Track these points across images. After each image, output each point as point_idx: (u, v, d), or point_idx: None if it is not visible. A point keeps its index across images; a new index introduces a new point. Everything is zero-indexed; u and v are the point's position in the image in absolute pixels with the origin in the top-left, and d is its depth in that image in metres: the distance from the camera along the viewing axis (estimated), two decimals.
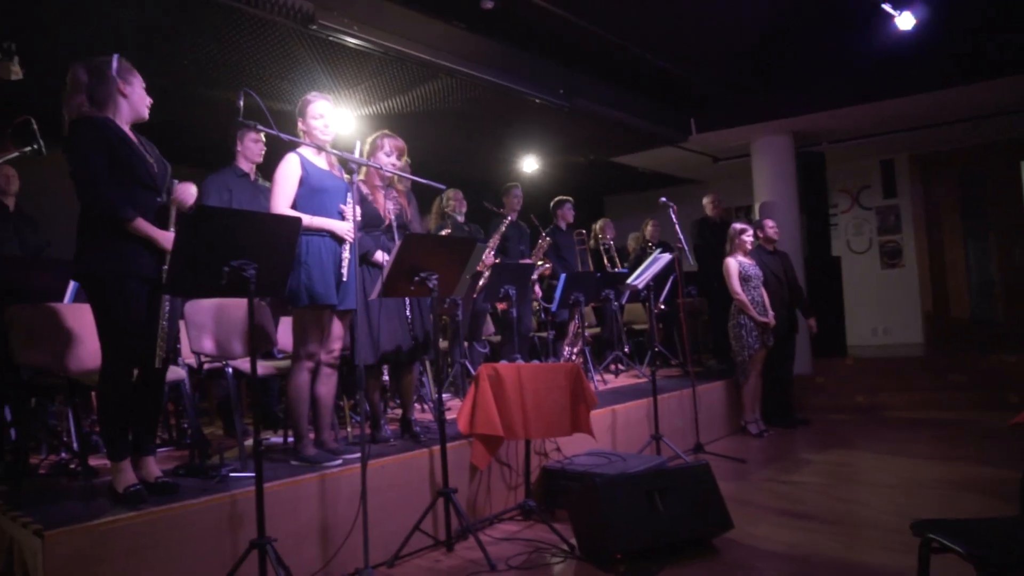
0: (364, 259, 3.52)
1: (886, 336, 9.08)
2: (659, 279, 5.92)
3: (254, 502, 2.46)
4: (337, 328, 3.25)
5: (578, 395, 3.50)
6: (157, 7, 3.99)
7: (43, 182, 4.59)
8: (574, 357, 6.18)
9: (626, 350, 7.15)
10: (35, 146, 3.18)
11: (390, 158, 3.63)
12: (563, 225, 6.67)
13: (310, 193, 3.14)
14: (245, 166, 4.32)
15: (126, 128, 2.70)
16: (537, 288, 6.30)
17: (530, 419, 3.43)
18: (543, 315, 6.49)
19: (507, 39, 5.35)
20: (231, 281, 2.54)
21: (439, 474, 3.30)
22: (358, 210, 3.16)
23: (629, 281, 4.73)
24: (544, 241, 6.24)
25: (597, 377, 5.98)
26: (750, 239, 5.84)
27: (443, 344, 5.82)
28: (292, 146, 3.20)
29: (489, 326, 6.56)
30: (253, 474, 2.56)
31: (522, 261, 6.06)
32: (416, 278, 3.16)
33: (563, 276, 5.55)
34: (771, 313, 5.75)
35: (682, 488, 3.19)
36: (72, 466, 3.30)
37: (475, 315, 5.72)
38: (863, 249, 9.28)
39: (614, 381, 6.24)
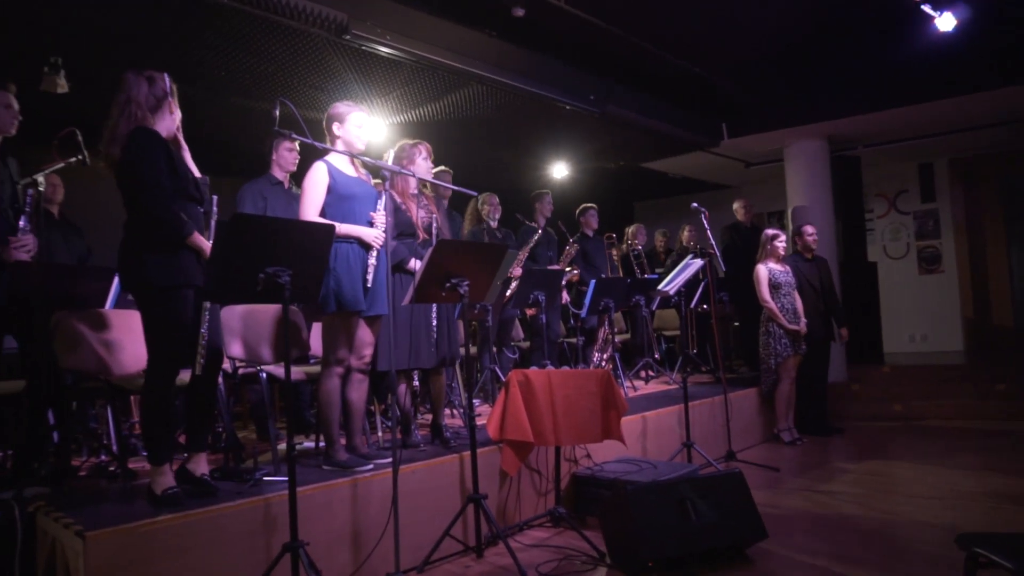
0: (399, 267, 3.55)
1: (924, 343, 8.88)
2: (690, 284, 5.88)
3: (287, 506, 2.49)
4: (367, 334, 3.28)
5: (609, 401, 3.48)
6: (195, 19, 4.09)
7: (84, 191, 4.73)
8: (604, 363, 6.17)
9: (656, 356, 7.10)
10: (80, 157, 3.28)
11: (427, 162, 3.67)
12: (588, 232, 6.66)
13: (338, 200, 3.18)
14: (279, 174, 4.39)
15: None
16: (565, 294, 6.29)
17: (560, 425, 3.43)
18: (572, 321, 6.48)
19: (538, 46, 5.36)
20: (266, 288, 2.59)
21: (469, 480, 3.31)
22: (384, 214, 3.20)
23: (660, 287, 4.70)
24: (572, 248, 6.23)
25: (627, 384, 5.94)
26: (782, 245, 5.76)
27: (472, 350, 5.85)
28: (322, 154, 3.26)
29: (518, 331, 6.57)
30: (286, 478, 2.61)
31: (550, 267, 6.06)
32: (447, 284, 3.18)
33: (593, 282, 5.53)
34: (803, 320, 5.66)
35: (715, 496, 3.16)
36: (112, 468, 3.38)
37: (504, 321, 5.73)
38: (900, 255, 9.09)
39: (644, 388, 6.19)
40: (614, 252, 6.97)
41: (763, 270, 5.65)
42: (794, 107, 7.02)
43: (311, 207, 3.14)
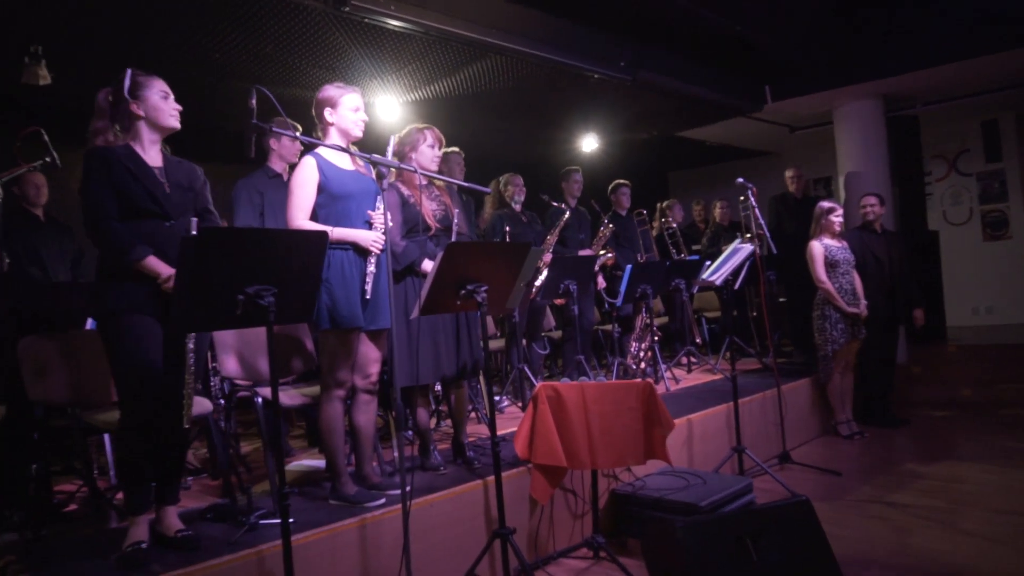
0: (411, 270, 3.14)
1: (989, 315, 8.23)
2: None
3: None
4: (371, 350, 2.89)
5: (652, 417, 3.05)
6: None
7: (73, 189, 4.40)
8: (643, 353, 5.71)
9: (697, 341, 6.62)
10: (47, 159, 2.93)
11: (434, 150, 3.24)
12: (621, 211, 6.17)
13: (332, 200, 2.77)
14: (278, 166, 3.99)
15: (147, 150, 2.47)
16: (600, 279, 5.83)
17: (597, 446, 3.01)
18: (607, 305, 6.03)
19: (561, 10, 4.84)
20: (247, 311, 2.21)
21: (495, 509, 2.92)
22: (388, 216, 2.78)
23: (706, 276, 4.23)
24: (606, 229, 5.75)
25: (667, 374, 5.50)
26: (839, 219, 5.20)
27: (500, 343, 5.45)
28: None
29: (549, 320, 6.14)
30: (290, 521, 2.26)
31: (582, 252, 5.60)
32: (462, 291, 2.76)
33: (628, 268, 5.06)
34: (863, 302, 5.12)
35: (779, 531, 2.72)
36: (107, 499, 3.08)
37: (533, 312, 5.31)
38: (962, 220, 8.40)
39: (687, 379, 5.74)
40: (650, 230, 6.45)
41: (818, 247, 5.11)
42: (846, 64, 6.36)
43: (299, 210, 2.73)
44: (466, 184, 2.98)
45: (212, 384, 3.38)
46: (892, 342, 5.52)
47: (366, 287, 2.77)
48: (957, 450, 4.79)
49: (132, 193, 2.35)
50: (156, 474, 2.41)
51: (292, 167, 4.07)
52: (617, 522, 3.53)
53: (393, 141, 2.99)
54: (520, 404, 4.77)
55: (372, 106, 5.62)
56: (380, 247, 2.74)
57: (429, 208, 3.22)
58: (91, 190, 2.32)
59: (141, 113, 2.42)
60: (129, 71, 2.43)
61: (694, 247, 7.16)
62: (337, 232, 2.72)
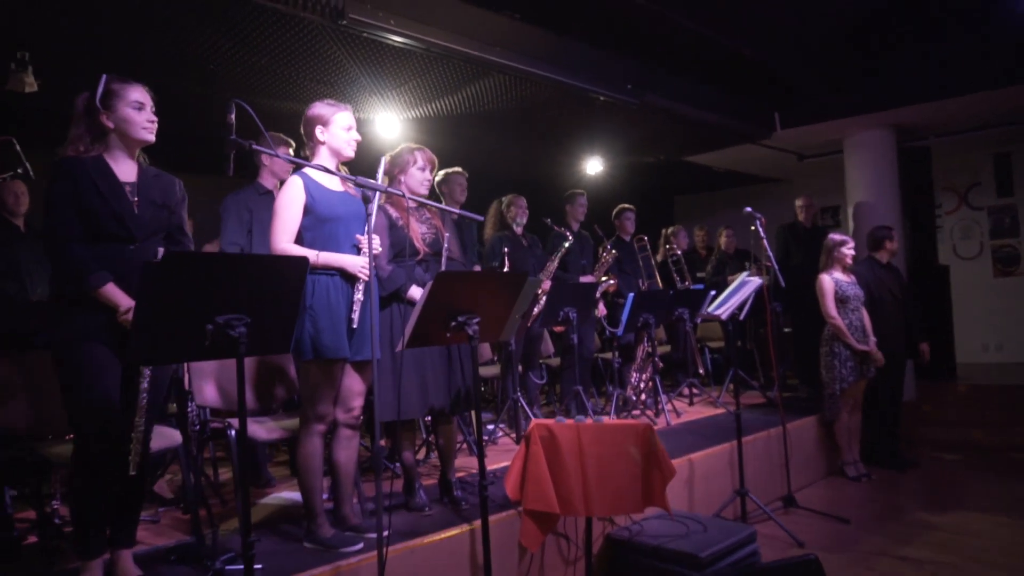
0: (396, 297, 2.98)
1: (999, 353, 8.03)
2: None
3: None
4: (356, 383, 2.71)
5: (651, 462, 2.86)
6: (168, 6, 3.55)
7: None
8: (643, 384, 5.53)
9: (700, 372, 6.42)
10: (19, 171, 2.77)
11: (424, 173, 3.08)
12: (625, 237, 6.00)
13: (317, 223, 2.61)
14: (269, 183, 3.84)
15: (120, 162, 2.31)
16: (601, 306, 5.66)
17: (592, 492, 2.82)
18: (607, 332, 5.85)
19: (567, 29, 4.72)
20: (217, 342, 2.03)
21: (482, 555, 2.73)
22: (376, 240, 2.62)
23: (712, 310, 4.05)
24: (609, 255, 5.58)
25: (668, 407, 5.30)
26: (851, 252, 5.02)
27: (495, 370, 5.26)
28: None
29: (548, 346, 5.96)
30: (256, 566, 2.08)
31: (583, 279, 5.43)
32: (453, 323, 2.58)
33: (630, 297, 4.89)
34: (872, 339, 4.94)
35: None
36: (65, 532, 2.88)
37: (530, 339, 5.13)
38: (973, 255, 8.23)
39: (688, 412, 5.55)
40: (653, 257, 6.28)
41: (828, 281, 4.92)
42: (858, 94, 6.23)
43: (284, 232, 2.57)
44: (456, 211, 2.81)
45: (189, 411, 3.19)
46: (900, 380, 5.31)
47: (353, 315, 2.60)
48: (968, 498, 4.57)
49: (97, 212, 2.18)
50: (109, 516, 2.22)
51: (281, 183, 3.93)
52: (612, 569, 3.33)
53: (384, 161, 2.83)
54: (514, 436, 4.58)
55: (371, 123, 5.49)
56: (367, 274, 2.57)
57: (418, 231, 3.06)
58: (53, 205, 2.16)
59: (111, 125, 2.26)
60: (104, 77, 2.26)
61: (698, 274, 7.00)
62: (323, 257, 2.56)
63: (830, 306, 4.88)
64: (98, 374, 2.14)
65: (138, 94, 2.29)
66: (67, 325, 2.16)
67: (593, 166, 7.26)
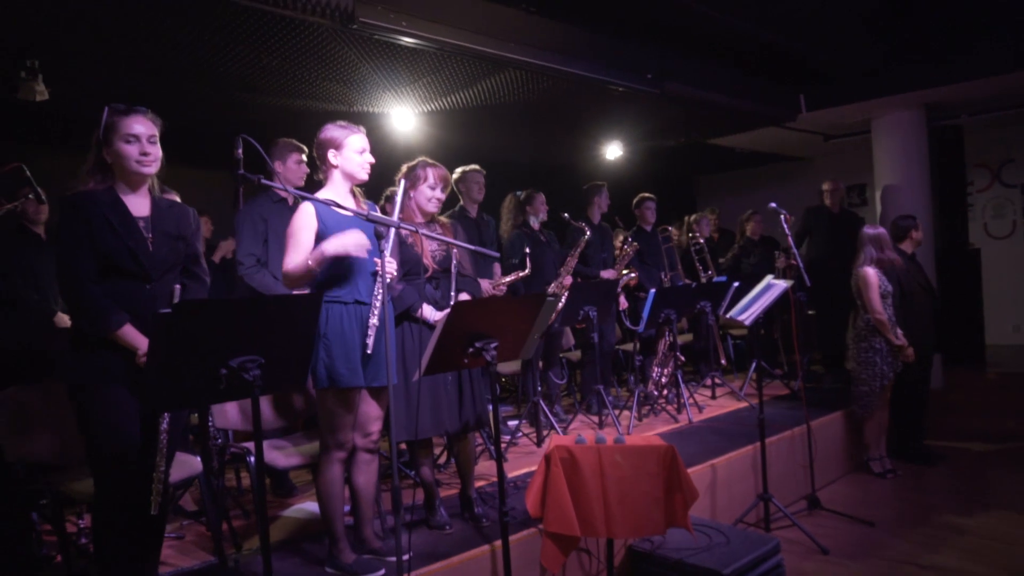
0: (406, 315, 2.94)
1: None
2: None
3: None
4: (372, 408, 2.69)
5: (673, 484, 2.82)
6: (178, 15, 3.48)
7: None
8: (664, 379, 5.48)
9: (722, 362, 6.34)
10: (30, 196, 2.75)
11: (435, 191, 3.00)
12: (646, 227, 5.89)
13: None
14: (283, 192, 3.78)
15: (133, 195, 2.26)
16: (622, 299, 5.59)
17: (613, 514, 2.80)
18: (627, 322, 5.78)
19: (585, 21, 4.57)
20: (232, 385, 2.01)
21: (503, 574, 2.72)
22: (392, 265, 2.56)
23: (735, 315, 3.96)
24: (630, 247, 5.49)
25: (690, 401, 5.25)
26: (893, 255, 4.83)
27: (514, 367, 5.22)
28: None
29: (568, 339, 5.92)
30: None
31: (604, 273, 5.35)
32: (471, 349, 2.54)
33: (652, 293, 4.81)
34: (899, 331, 4.82)
35: None
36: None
37: (550, 337, 5.08)
38: (1005, 234, 8.00)
39: (710, 406, 5.49)
40: (676, 247, 6.16)
41: (873, 275, 4.71)
42: (887, 74, 6.01)
43: (297, 255, 2.52)
44: (470, 247, 2.75)
45: (211, 431, 3.19)
46: (927, 373, 5.19)
47: (368, 340, 2.56)
48: (998, 496, 4.47)
49: (111, 251, 2.15)
50: (132, 551, 2.23)
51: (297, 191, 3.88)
52: None
53: (402, 186, 2.77)
54: (535, 437, 4.56)
55: (387, 116, 5.41)
56: (364, 253, 2.48)
57: (428, 249, 3.00)
58: (66, 244, 2.13)
59: (109, 159, 2.21)
60: (106, 110, 2.20)
61: (719, 260, 6.85)
62: (317, 252, 2.44)
63: (875, 300, 4.70)
64: (118, 419, 2.13)
65: (133, 127, 2.20)
66: (86, 368, 2.15)
67: (612, 151, 7.12)
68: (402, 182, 2.97)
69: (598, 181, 5.60)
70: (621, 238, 6.05)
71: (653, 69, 5.07)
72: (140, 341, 2.14)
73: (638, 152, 7.48)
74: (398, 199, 2.73)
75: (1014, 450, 5.45)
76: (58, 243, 2.17)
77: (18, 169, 2.70)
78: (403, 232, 2.96)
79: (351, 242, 2.46)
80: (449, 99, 5.16)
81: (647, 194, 5.95)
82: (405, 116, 5.39)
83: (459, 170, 4.69)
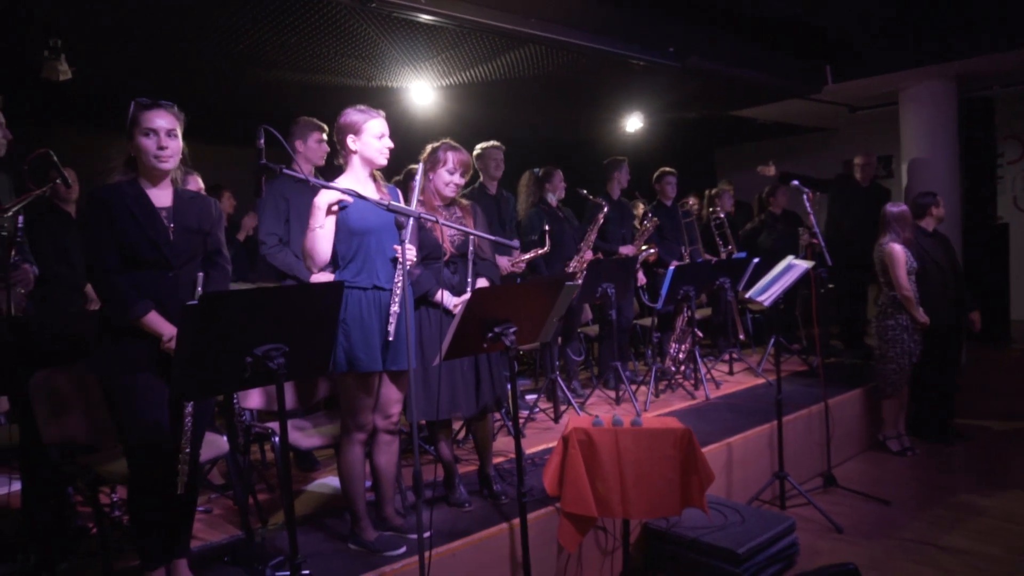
0: (424, 300, 2.97)
1: None
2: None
3: None
4: (392, 391, 2.74)
5: (690, 466, 2.86)
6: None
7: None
8: (682, 355, 5.49)
9: (741, 337, 6.34)
10: (58, 181, 2.80)
11: (453, 176, 3.00)
12: (666, 202, 5.85)
13: (349, 236, 2.58)
14: (305, 169, 3.80)
15: (155, 187, 2.31)
16: (640, 275, 5.58)
17: (630, 496, 2.84)
18: (645, 298, 5.79)
19: None
20: (256, 373, 2.07)
21: (521, 552, 2.79)
22: (412, 252, 2.59)
23: (755, 295, 3.95)
24: (650, 223, 5.46)
25: (707, 377, 5.27)
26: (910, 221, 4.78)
27: (534, 343, 5.25)
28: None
29: (586, 313, 5.93)
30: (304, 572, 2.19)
31: (623, 249, 5.34)
32: (489, 334, 2.57)
33: (671, 270, 4.80)
34: (921, 310, 4.78)
35: None
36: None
37: (568, 313, 5.09)
38: None
39: (728, 382, 5.50)
40: (696, 222, 6.11)
41: (900, 252, 4.67)
42: (917, 45, 5.84)
43: (323, 243, 2.54)
44: (490, 237, 2.75)
45: (236, 409, 3.26)
46: (951, 352, 5.13)
47: (389, 328, 2.60)
48: (1015, 476, 4.46)
49: (133, 241, 2.20)
50: (164, 528, 2.32)
51: (318, 170, 3.90)
52: (649, 558, 3.38)
53: (422, 168, 2.77)
54: (552, 413, 4.61)
55: (406, 91, 5.39)
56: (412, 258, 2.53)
57: (447, 233, 3.02)
58: (90, 236, 2.20)
59: (132, 154, 2.26)
60: (132, 104, 2.24)
61: (738, 232, 6.77)
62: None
63: (903, 276, 4.66)
64: (146, 404, 2.20)
65: (153, 121, 2.22)
66: (113, 355, 2.21)
67: (633, 123, 7.03)
68: (421, 164, 2.98)
69: (618, 156, 5.55)
70: (642, 211, 6.02)
71: (675, 43, 4.98)
72: (165, 328, 2.20)
73: (658, 124, 7.38)
74: (417, 181, 2.74)
75: None
76: (83, 236, 2.23)
77: (45, 155, 2.73)
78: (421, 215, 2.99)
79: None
80: (468, 73, 5.12)
81: (668, 168, 5.90)
82: (424, 90, 5.36)
83: (479, 147, 4.68)
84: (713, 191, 6.62)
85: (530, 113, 6.67)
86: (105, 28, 3.93)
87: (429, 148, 3.09)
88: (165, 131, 2.24)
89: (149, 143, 2.22)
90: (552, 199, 5.07)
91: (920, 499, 4.18)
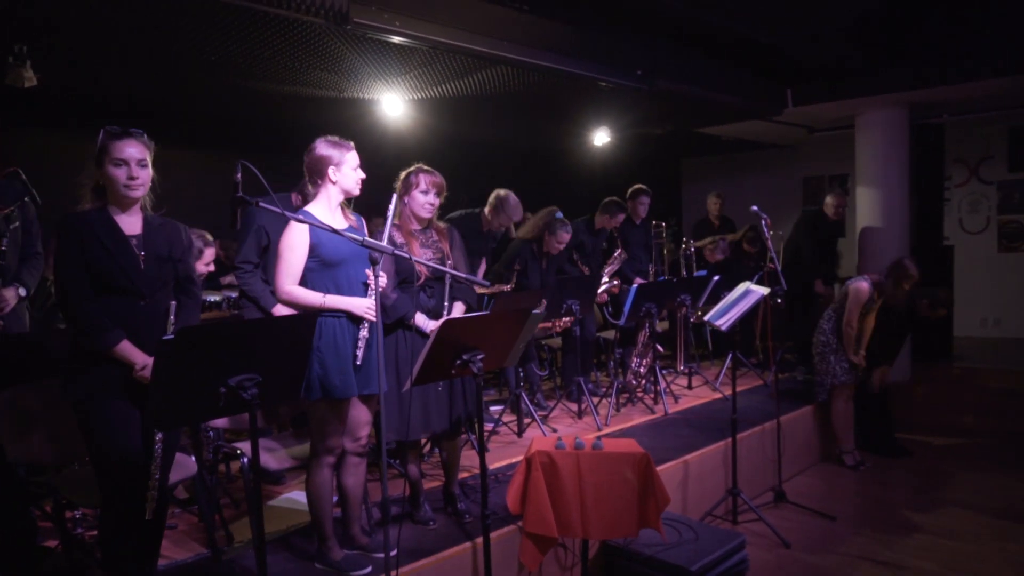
0: (400, 323, 3.03)
1: (996, 328, 8.10)
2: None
3: None
4: (362, 413, 2.80)
5: (647, 490, 2.98)
6: (170, 9, 3.47)
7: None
8: (643, 369, 5.64)
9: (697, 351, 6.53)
10: (26, 199, 2.79)
11: (427, 196, 3.07)
12: (636, 220, 5.99)
13: (322, 267, 2.64)
14: (295, 199, 3.76)
15: (124, 214, 2.32)
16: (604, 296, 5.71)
17: (590, 516, 2.96)
18: (607, 314, 5.92)
19: (575, 19, 4.59)
20: (229, 403, 2.12)
21: (483, 572, 2.88)
22: (383, 279, 2.66)
23: (712, 319, 4.10)
24: (620, 255, 5.60)
25: (666, 391, 5.42)
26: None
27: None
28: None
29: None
30: None
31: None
32: (458, 361, 2.65)
33: (634, 287, 4.95)
34: (862, 353, 5.05)
35: None
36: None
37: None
38: (978, 229, 8.19)
39: (687, 396, 5.67)
40: (663, 244, 6.27)
41: (866, 290, 4.94)
42: (872, 75, 6.09)
43: (288, 276, 2.60)
44: (462, 275, 2.84)
45: (202, 427, 3.29)
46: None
47: (357, 352, 2.67)
48: (958, 494, 4.68)
49: (104, 270, 2.22)
50: (137, 551, 2.35)
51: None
52: (607, 573, 3.50)
53: (394, 203, 2.83)
54: (515, 427, 4.71)
55: (377, 103, 5.42)
56: (373, 315, 2.62)
57: (420, 254, 3.09)
58: (61, 264, 2.21)
59: (102, 182, 2.28)
60: (102, 133, 2.25)
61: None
62: (329, 301, 2.60)
63: (854, 315, 4.95)
64: (117, 430, 2.23)
65: (123, 151, 2.23)
66: (85, 381, 2.23)
67: (600, 138, 7.17)
68: (397, 190, 3.04)
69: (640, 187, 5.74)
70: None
71: (643, 66, 5.11)
72: (137, 357, 2.22)
73: (625, 138, 7.54)
74: (391, 210, 2.81)
75: (970, 446, 5.72)
76: (55, 264, 2.24)
77: (14, 173, 2.72)
78: (397, 239, 3.05)
79: (361, 306, 2.63)
80: (439, 88, 5.17)
81: (643, 187, 6.02)
82: (395, 103, 5.40)
83: (502, 193, 4.79)
84: (710, 240, 6.76)
85: (501, 127, 6.76)
86: (72, 37, 3.89)
87: (403, 174, 3.14)
88: (136, 160, 2.26)
89: (119, 173, 2.24)
90: (546, 247, 5.09)
91: (863, 514, 4.39)
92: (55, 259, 2.22)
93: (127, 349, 2.22)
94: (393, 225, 3.10)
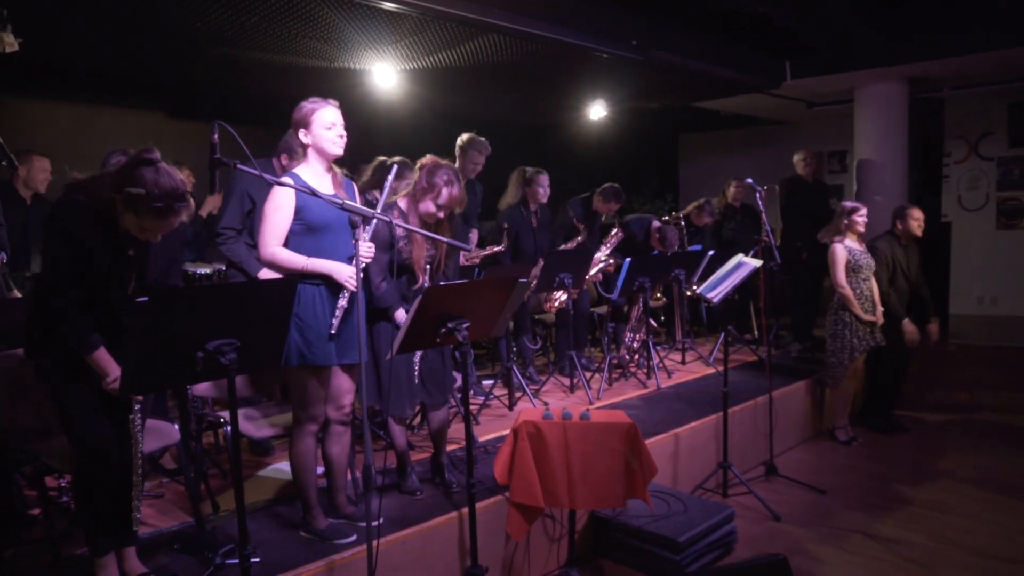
0: (384, 315, 2.98)
1: (993, 306, 8.04)
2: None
3: None
4: (344, 381, 2.77)
5: (635, 461, 2.96)
6: None
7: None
8: (636, 344, 5.61)
9: (692, 328, 6.50)
10: (3, 163, 2.74)
11: (439, 212, 2.96)
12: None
13: (307, 231, 2.59)
14: (278, 165, 3.71)
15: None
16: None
17: (576, 486, 2.94)
18: (600, 289, 5.88)
19: None
20: (207, 368, 2.08)
21: (470, 541, 2.87)
22: (372, 248, 2.61)
23: (704, 292, 4.06)
24: (618, 234, 5.54)
25: (659, 366, 5.40)
26: (863, 220, 4.93)
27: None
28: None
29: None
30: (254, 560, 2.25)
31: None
32: (443, 329, 2.62)
33: (627, 262, 4.91)
34: (879, 310, 4.97)
35: None
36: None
37: (522, 306, 5.16)
38: (977, 206, 8.10)
39: (679, 371, 5.65)
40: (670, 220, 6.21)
41: (841, 250, 4.86)
42: (872, 47, 6.00)
43: (273, 237, 2.55)
44: (443, 240, 2.78)
45: (188, 395, 3.26)
46: (904, 351, 5.33)
47: (333, 320, 2.62)
48: (950, 469, 4.67)
49: (96, 270, 2.18)
50: (112, 517, 2.33)
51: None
52: (595, 547, 3.50)
53: (394, 171, 2.75)
54: (507, 400, 4.69)
55: (368, 73, 5.34)
56: (354, 285, 2.57)
57: (422, 260, 3.02)
58: (55, 261, 2.16)
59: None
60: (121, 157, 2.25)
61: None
62: (312, 264, 2.55)
63: (840, 275, 4.85)
64: (91, 413, 2.22)
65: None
66: (60, 363, 2.21)
67: (596, 112, 7.09)
68: (416, 173, 2.97)
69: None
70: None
71: (638, 36, 5.03)
72: (110, 367, 2.18)
73: (622, 112, 7.45)
74: (387, 181, 2.73)
75: (962, 422, 5.71)
76: (46, 256, 2.21)
77: None
78: (399, 232, 2.95)
79: (344, 273, 2.56)
80: (431, 59, 5.10)
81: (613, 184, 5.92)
82: (386, 73, 5.32)
83: (465, 137, 4.62)
84: (693, 206, 6.65)
85: (494, 99, 6.67)
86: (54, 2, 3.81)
87: (430, 164, 2.99)
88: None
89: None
90: (532, 203, 5.05)
91: (855, 488, 4.38)
92: (49, 251, 2.18)
93: (101, 358, 2.18)
94: (396, 215, 2.99)
